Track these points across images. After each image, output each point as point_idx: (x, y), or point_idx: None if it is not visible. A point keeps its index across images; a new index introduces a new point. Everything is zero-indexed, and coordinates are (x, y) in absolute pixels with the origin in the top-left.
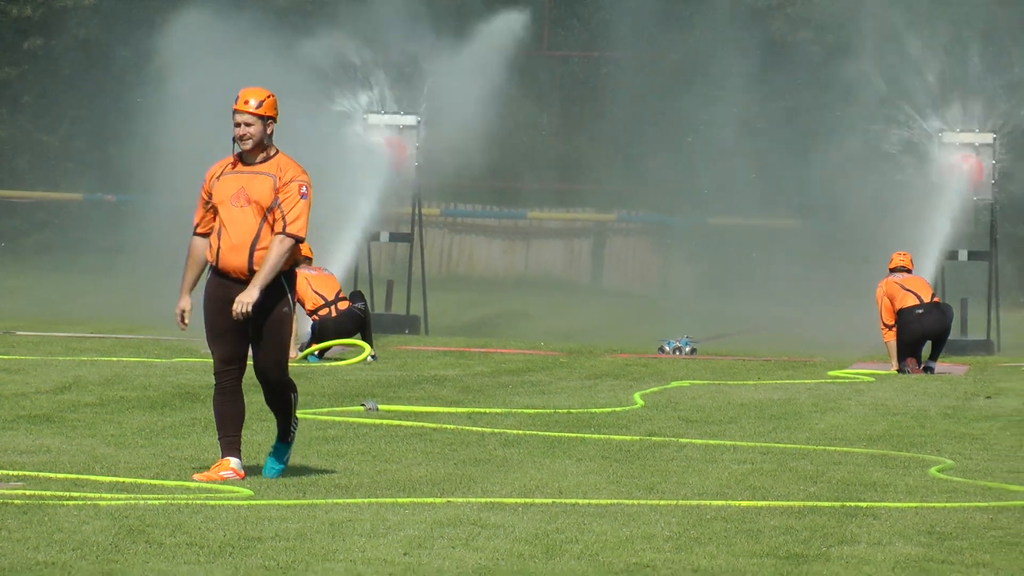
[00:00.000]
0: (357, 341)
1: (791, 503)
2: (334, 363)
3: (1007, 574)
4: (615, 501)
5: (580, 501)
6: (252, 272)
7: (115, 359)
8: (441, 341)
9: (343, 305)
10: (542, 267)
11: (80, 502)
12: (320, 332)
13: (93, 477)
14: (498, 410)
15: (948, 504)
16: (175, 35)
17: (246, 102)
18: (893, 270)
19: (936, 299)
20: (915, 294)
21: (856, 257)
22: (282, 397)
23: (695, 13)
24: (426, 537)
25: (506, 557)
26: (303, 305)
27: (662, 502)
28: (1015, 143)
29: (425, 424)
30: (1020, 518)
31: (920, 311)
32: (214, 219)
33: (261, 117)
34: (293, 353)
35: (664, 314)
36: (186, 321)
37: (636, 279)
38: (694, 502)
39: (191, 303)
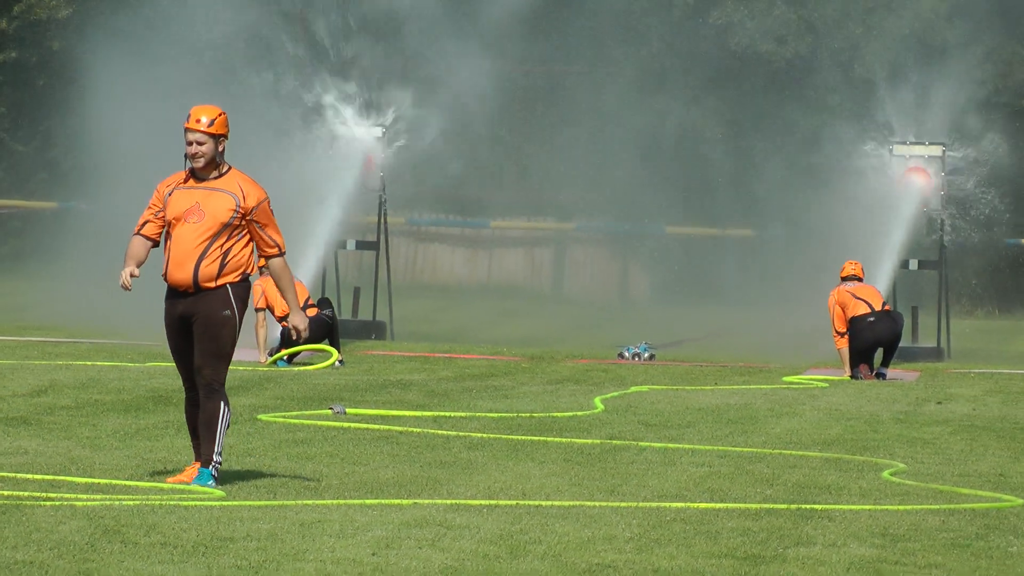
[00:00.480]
0: (325, 347)
1: (748, 505)
2: (303, 368)
3: (958, 575)
4: (577, 503)
5: (543, 503)
6: (198, 286)
7: (90, 363)
8: (407, 346)
9: (311, 312)
10: (504, 275)
11: (57, 503)
12: (288, 338)
13: (69, 478)
14: (463, 414)
15: (901, 507)
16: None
17: (198, 120)
18: (845, 279)
19: (887, 307)
20: (866, 302)
21: (810, 266)
22: (212, 403)
23: (652, 27)
24: (394, 538)
25: (471, 557)
26: (272, 311)
27: (623, 504)
28: (964, 155)
29: (392, 427)
30: (971, 520)
31: (872, 319)
32: (159, 225)
33: (213, 135)
34: (263, 358)
35: (623, 321)
36: (129, 283)
37: (596, 287)
38: (654, 504)
39: (138, 271)
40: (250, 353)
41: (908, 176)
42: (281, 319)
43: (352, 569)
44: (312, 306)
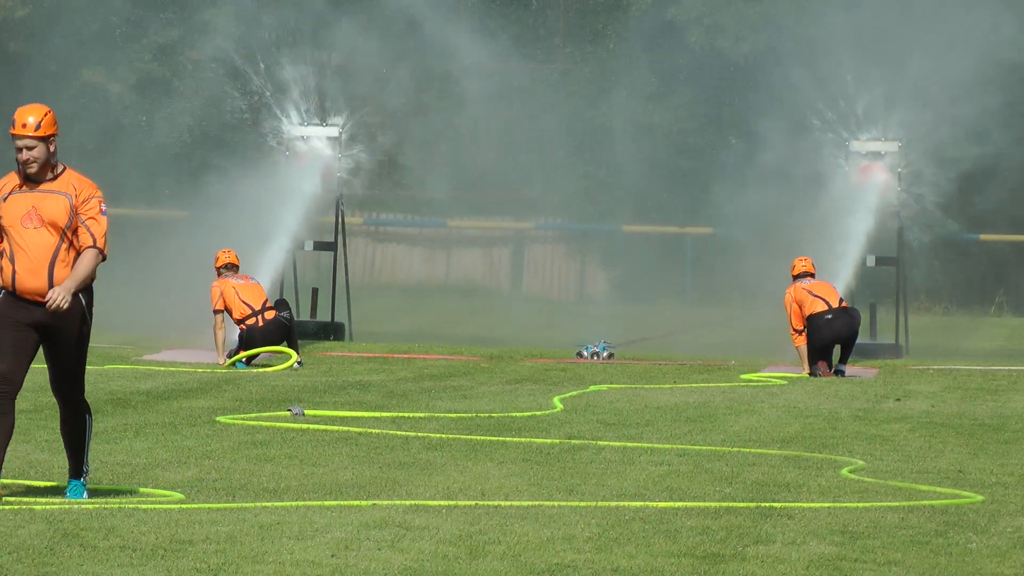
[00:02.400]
0: (283, 348)
1: (707, 504)
2: (261, 369)
3: (918, 572)
4: (536, 503)
5: (502, 503)
6: None
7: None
8: (365, 347)
9: (270, 315)
10: (463, 274)
11: (15, 507)
12: (247, 341)
13: (28, 482)
14: (421, 414)
15: (860, 504)
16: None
17: (24, 125)
18: (798, 276)
19: (844, 304)
20: (824, 300)
21: (768, 263)
22: (76, 418)
23: (609, 25)
24: (353, 539)
25: (431, 558)
26: (230, 314)
27: (582, 503)
28: (921, 151)
29: (350, 428)
30: (930, 517)
31: (829, 316)
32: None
33: (43, 138)
34: (221, 360)
35: (582, 320)
36: None
37: (554, 286)
38: (613, 503)
39: None
40: (209, 355)
41: (865, 172)
42: (239, 321)
43: (311, 571)
44: (270, 308)
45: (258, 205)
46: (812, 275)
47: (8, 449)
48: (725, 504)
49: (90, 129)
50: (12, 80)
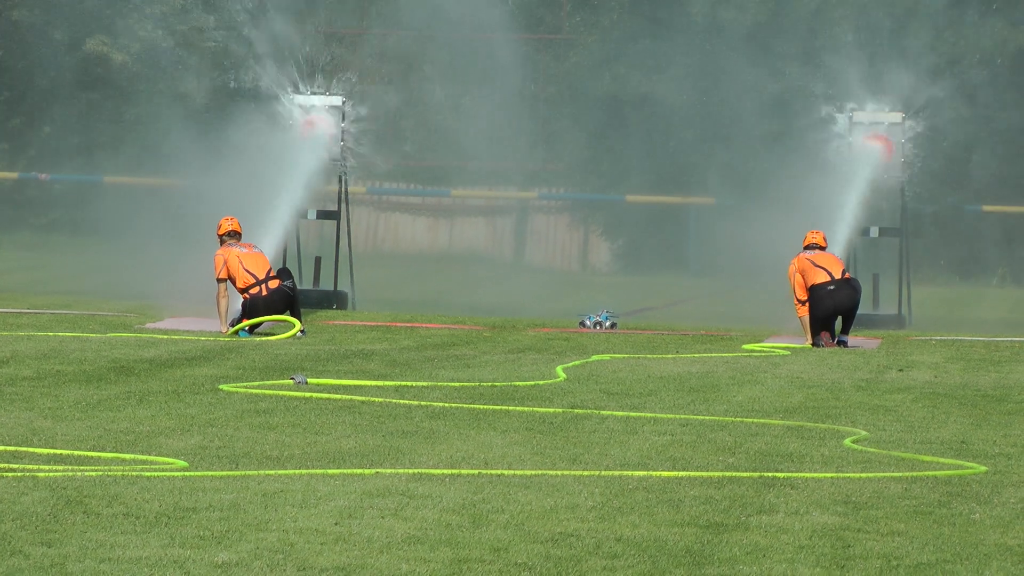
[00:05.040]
0: (287, 317)
1: (711, 473)
2: (264, 338)
3: (921, 542)
4: (539, 472)
5: (505, 472)
6: None
7: (51, 334)
8: (368, 316)
9: (273, 284)
10: (466, 244)
11: (19, 474)
12: (251, 310)
13: (31, 449)
14: (424, 383)
15: (863, 474)
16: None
17: None
18: (807, 247)
19: (847, 275)
20: (826, 270)
21: (771, 234)
22: None
23: None
24: (356, 507)
25: (434, 527)
26: (234, 283)
27: (585, 473)
28: (924, 122)
29: (353, 397)
30: (933, 488)
31: (831, 287)
32: None
33: None
34: (224, 328)
35: (585, 289)
36: None
37: (557, 255)
38: (616, 473)
39: None
40: (212, 323)
41: (868, 143)
42: (243, 290)
43: (315, 539)
44: (273, 278)
45: (260, 174)
46: (822, 247)
47: (11, 415)
48: (728, 474)
49: (93, 99)
50: (18, 49)
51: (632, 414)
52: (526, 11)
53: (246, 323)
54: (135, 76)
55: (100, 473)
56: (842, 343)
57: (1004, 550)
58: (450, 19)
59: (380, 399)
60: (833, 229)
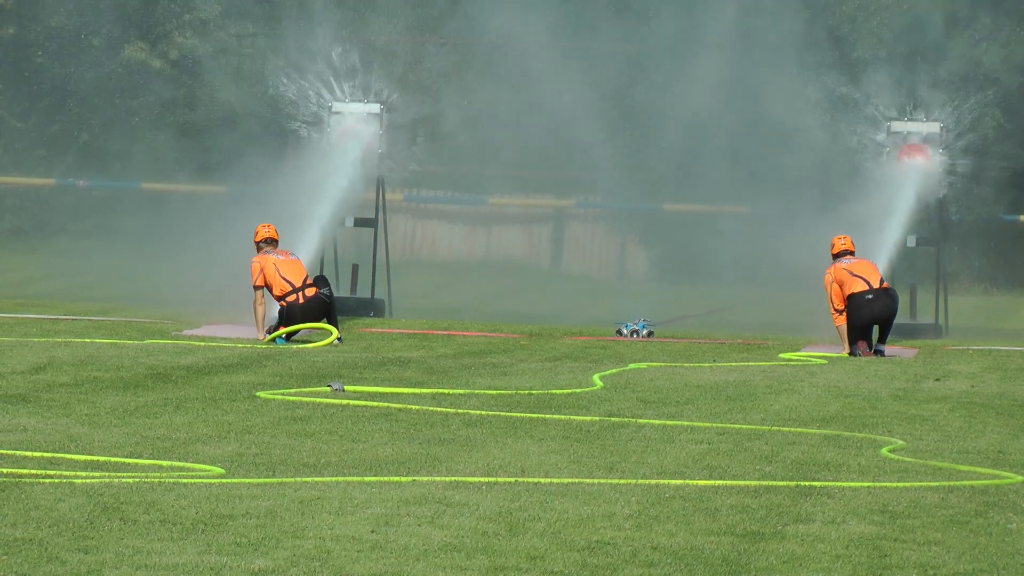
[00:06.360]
0: (324, 325)
1: (747, 482)
2: (301, 345)
3: (958, 552)
4: (576, 480)
5: (542, 480)
6: None
7: (88, 340)
8: (405, 324)
9: (310, 292)
10: (503, 251)
11: (56, 480)
12: (287, 317)
13: (68, 456)
14: (461, 391)
15: (900, 484)
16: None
17: None
18: (837, 255)
19: (885, 284)
20: (864, 280)
21: (807, 242)
22: None
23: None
24: (393, 515)
25: (471, 534)
26: (270, 290)
27: (622, 481)
28: (962, 132)
29: (390, 404)
30: (970, 497)
31: (870, 296)
32: None
33: None
34: (261, 336)
35: (622, 298)
36: None
37: (594, 263)
38: (653, 481)
39: None
40: (249, 330)
41: (905, 153)
42: (279, 298)
43: (351, 546)
44: (310, 285)
45: (298, 182)
46: (852, 253)
47: (49, 422)
48: (765, 483)
49: (132, 106)
50: (56, 56)
51: (669, 423)
52: (566, 18)
53: (283, 330)
54: (173, 82)
55: (137, 480)
56: (879, 352)
57: None
58: (488, 27)
59: (417, 407)
60: (872, 239)
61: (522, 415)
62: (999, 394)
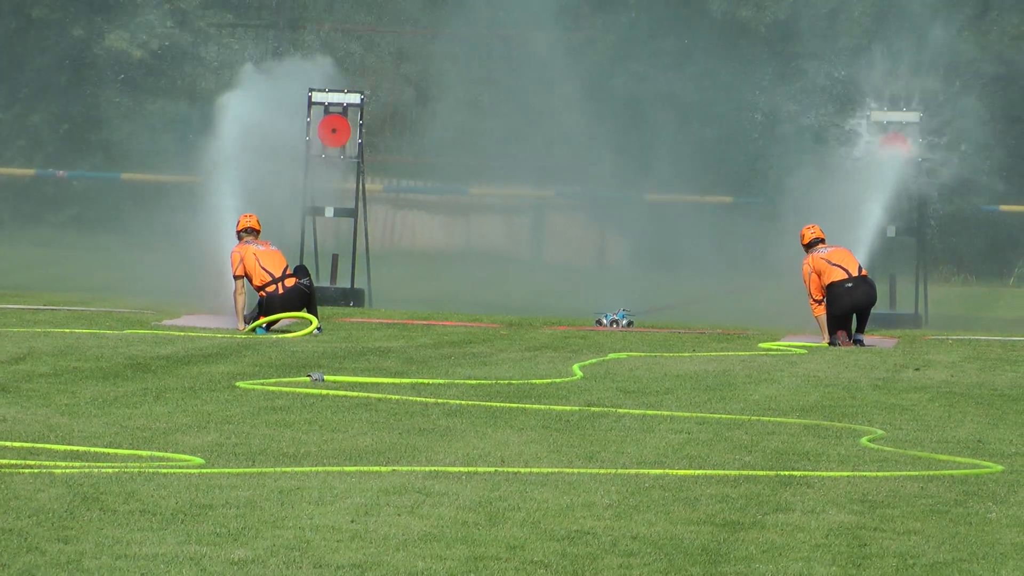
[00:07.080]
0: (304, 314)
1: (727, 472)
2: (281, 335)
3: (937, 541)
4: (556, 470)
5: (522, 470)
6: None
7: (68, 331)
8: (385, 313)
9: (290, 282)
10: (483, 241)
11: (35, 470)
12: (267, 307)
13: (48, 446)
14: (441, 381)
15: (879, 473)
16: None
17: None
18: (809, 245)
19: (863, 272)
20: (843, 268)
21: (787, 232)
22: None
23: None
24: (372, 505)
25: (450, 524)
26: (250, 280)
27: (602, 471)
28: (941, 122)
29: (370, 395)
30: (949, 487)
31: (849, 285)
32: None
33: None
34: (241, 326)
35: (601, 288)
36: None
37: (574, 253)
38: (632, 471)
39: None
40: (229, 320)
41: (885, 143)
42: (259, 288)
43: (331, 536)
44: (290, 275)
45: (282, 171)
46: (823, 239)
47: (28, 412)
48: (744, 472)
49: (110, 94)
50: (36, 46)
51: (648, 412)
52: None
53: (263, 320)
54: (153, 71)
55: (117, 470)
56: (858, 342)
57: (1020, 549)
58: (469, 17)
59: (397, 397)
60: (851, 229)
61: (502, 405)
62: (978, 383)
